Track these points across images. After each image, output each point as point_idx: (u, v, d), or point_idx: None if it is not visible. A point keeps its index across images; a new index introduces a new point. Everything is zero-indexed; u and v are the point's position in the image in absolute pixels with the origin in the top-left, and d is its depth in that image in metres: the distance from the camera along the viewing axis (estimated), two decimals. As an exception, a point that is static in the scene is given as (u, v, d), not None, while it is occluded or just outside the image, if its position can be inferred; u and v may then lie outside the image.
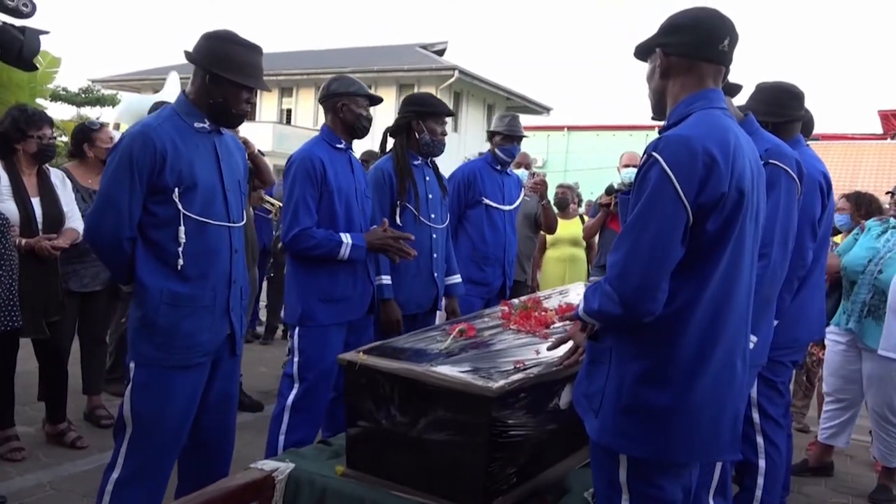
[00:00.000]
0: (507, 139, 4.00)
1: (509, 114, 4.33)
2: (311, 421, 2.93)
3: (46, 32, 2.14)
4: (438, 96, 3.70)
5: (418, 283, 3.31)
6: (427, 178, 3.38)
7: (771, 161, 2.22)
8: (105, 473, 2.33)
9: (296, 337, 2.92)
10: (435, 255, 3.36)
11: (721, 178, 1.57)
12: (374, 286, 3.09)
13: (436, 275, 3.37)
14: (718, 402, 1.67)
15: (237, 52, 2.33)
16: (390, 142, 3.39)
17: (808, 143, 3.33)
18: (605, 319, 1.68)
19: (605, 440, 1.69)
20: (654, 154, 1.57)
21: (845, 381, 3.77)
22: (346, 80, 3.07)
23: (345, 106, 3.00)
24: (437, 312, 3.54)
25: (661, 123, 1.79)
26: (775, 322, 2.53)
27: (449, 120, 3.64)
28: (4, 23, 1.99)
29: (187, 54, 2.38)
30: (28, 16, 2.06)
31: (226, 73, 2.30)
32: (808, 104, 3.12)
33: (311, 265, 2.89)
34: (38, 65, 7.50)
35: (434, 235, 3.36)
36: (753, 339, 2.03)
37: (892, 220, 3.72)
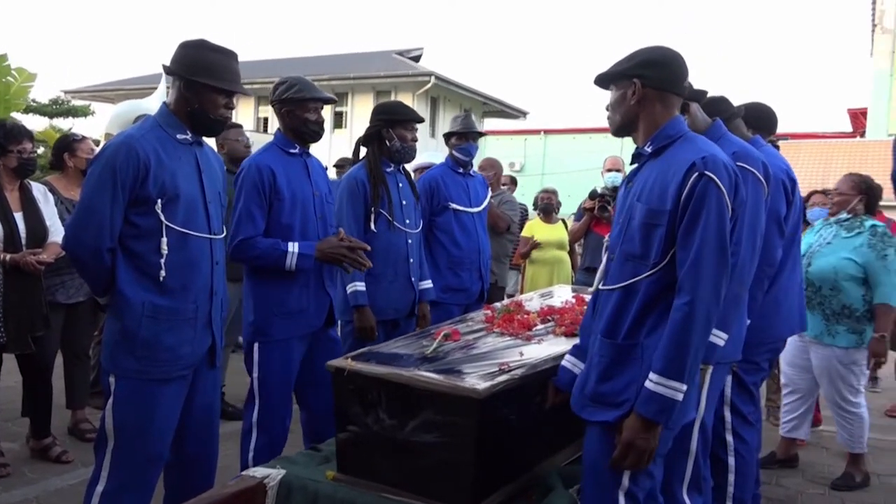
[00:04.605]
0: (462, 138, 3.97)
1: (462, 114, 4.31)
2: (275, 437, 2.89)
3: None
4: (415, 102, 3.77)
5: (396, 288, 3.32)
6: (400, 185, 3.40)
7: (738, 164, 2.30)
8: (89, 487, 2.31)
9: (255, 353, 2.86)
10: (411, 260, 3.38)
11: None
12: (330, 296, 3.01)
13: (413, 279, 3.39)
14: None
15: (211, 58, 2.33)
16: (363, 151, 3.41)
17: (780, 142, 3.43)
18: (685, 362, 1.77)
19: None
20: (707, 173, 1.80)
21: (799, 370, 3.90)
22: (292, 82, 2.94)
23: (289, 112, 2.92)
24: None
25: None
26: (748, 321, 2.59)
27: (427, 126, 3.69)
28: None
29: (165, 67, 2.37)
30: None
31: (200, 77, 2.29)
32: (778, 104, 3.22)
33: (264, 278, 2.84)
34: (14, 79, 7.45)
35: (409, 240, 3.38)
36: (724, 336, 2.10)
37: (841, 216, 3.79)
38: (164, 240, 2.24)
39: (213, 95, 2.33)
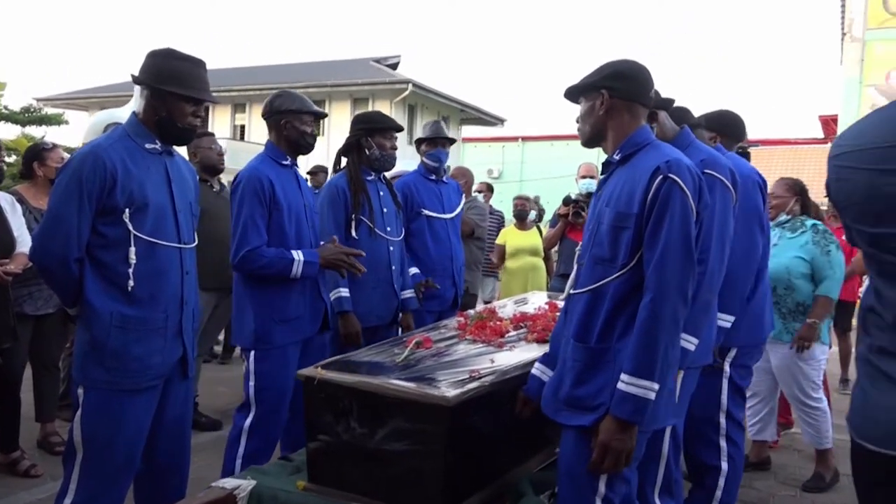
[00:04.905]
0: (432, 144, 3.97)
1: (431, 121, 4.33)
2: (268, 444, 2.91)
3: None
4: (392, 110, 3.78)
5: (378, 295, 3.34)
6: (381, 193, 3.44)
7: (706, 171, 2.33)
8: (57, 500, 2.28)
9: (251, 360, 2.87)
10: (394, 268, 3.40)
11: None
12: (325, 302, 3.05)
13: (395, 287, 3.41)
14: None
15: (178, 67, 2.34)
16: (343, 161, 3.42)
17: (751, 149, 3.50)
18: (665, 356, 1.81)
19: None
20: (671, 176, 1.85)
21: (758, 372, 3.92)
22: (289, 96, 3.04)
23: (288, 123, 2.98)
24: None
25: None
26: (732, 319, 2.63)
27: (404, 133, 3.70)
28: None
29: (133, 77, 2.37)
30: None
31: (166, 85, 2.30)
32: (751, 111, 3.29)
33: (263, 285, 2.86)
34: None
35: (391, 248, 3.41)
36: (695, 341, 2.13)
37: (782, 217, 3.88)
38: (133, 249, 2.23)
39: (181, 104, 2.33)
